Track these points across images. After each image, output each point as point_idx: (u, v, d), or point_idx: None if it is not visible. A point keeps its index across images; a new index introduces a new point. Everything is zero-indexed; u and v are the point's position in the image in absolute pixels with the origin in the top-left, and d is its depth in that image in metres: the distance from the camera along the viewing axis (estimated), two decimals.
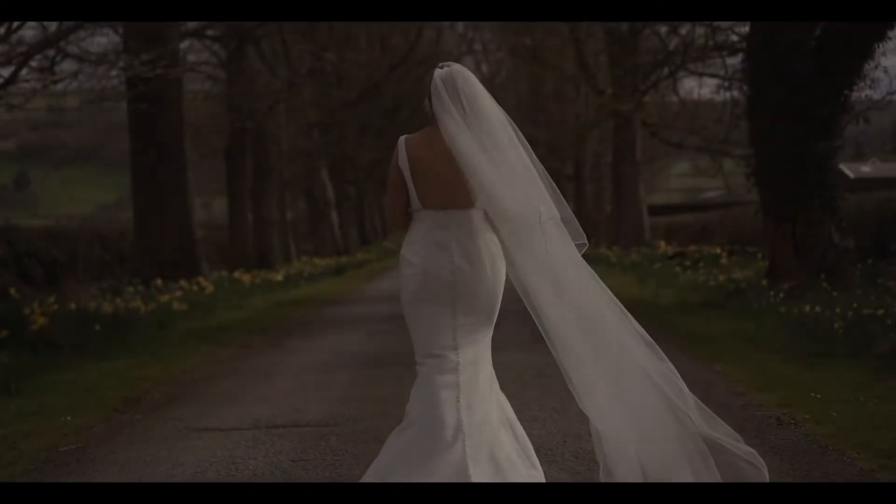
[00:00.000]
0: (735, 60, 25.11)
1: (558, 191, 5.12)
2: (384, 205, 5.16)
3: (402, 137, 5.08)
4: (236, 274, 24.15)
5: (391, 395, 8.50)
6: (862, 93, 16.15)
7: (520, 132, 5.14)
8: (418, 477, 4.75)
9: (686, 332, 12.62)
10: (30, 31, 18.42)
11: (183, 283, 19.36)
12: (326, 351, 11.85)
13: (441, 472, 4.76)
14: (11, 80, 13.40)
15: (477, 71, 59.42)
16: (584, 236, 5.14)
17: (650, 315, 15.08)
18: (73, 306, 14.89)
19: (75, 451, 6.84)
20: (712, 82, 40.42)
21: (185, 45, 28.78)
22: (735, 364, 9.83)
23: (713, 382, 8.83)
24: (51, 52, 16.03)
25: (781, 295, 14.08)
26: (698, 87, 39.20)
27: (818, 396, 7.93)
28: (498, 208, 4.94)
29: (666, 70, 27.14)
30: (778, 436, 6.72)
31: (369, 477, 4.94)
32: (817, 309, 11.90)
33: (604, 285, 5.20)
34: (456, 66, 5.09)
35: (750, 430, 6.87)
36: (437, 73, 5.04)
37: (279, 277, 24.53)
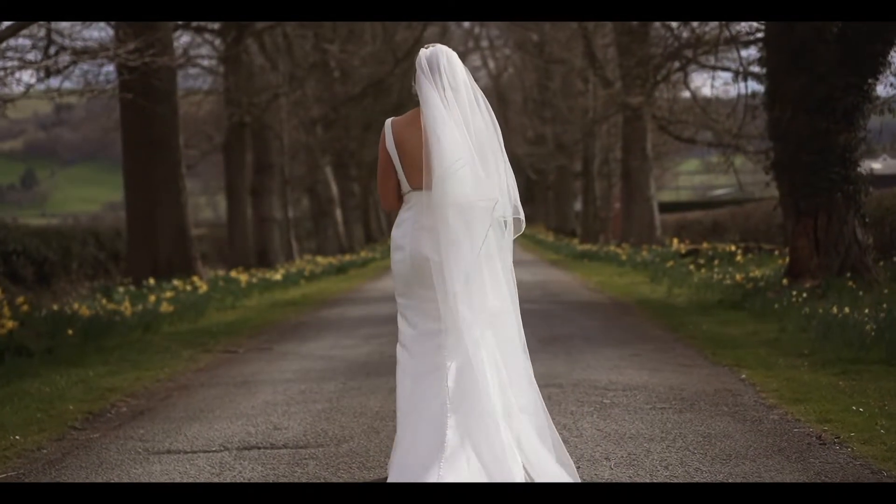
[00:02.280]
0: (749, 52, 24.32)
1: (517, 197, 5.20)
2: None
3: (389, 120, 5.23)
4: (233, 273, 23.38)
5: (382, 408, 7.64)
6: (887, 82, 15.37)
7: (495, 119, 5.22)
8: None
9: (705, 335, 11.78)
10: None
11: (177, 282, 18.68)
12: (317, 356, 10.95)
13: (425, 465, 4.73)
14: None
15: (483, 67, 58.74)
16: (523, 225, 5.19)
17: (665, 315, 14.34)
18: (54, 307, 14.10)
19: (13, 479, 5.96)
20: (725, 76, 39.63)
21: (185, 39, 28.25)
22: (761, 371, 9.01)
23: (741, 393, 7.98)
24: (41, 43, 15.44)
25: (804, 294, 13.30)
26: (711, 80, 38.02)
27: (860, 410, 7.09)
28: (455, 187, 4.91)
29: (677, 64, 26.26)
30: (822, 458, 5.87)
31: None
32: (846, 310, 11.05)
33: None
34: (440, 46, 5.22)
35: (790, 451, 6.04)
36: (422, 52, 5.18)
37: (278, 276, 23.69)
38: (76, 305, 14.32)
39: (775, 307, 13.13)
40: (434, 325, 5.01)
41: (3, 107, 15.98)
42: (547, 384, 8.08)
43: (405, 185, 5.14)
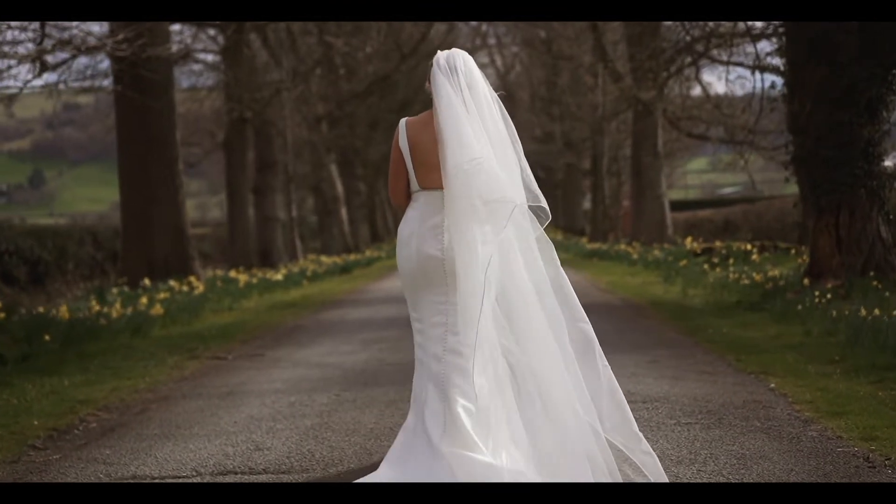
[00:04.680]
0: (762, 46, 23.59)
1: (536, 187, 5.23)
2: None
3: (404, 119, 5.34)
4: (232, 273, 22.72)
5: (377, 425, 6.92)
6: None
7: (510, 120, 5.30)
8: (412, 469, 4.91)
9: (726, 339, 11.07)
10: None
11: (173, 283, 18.01)
12: (312, 364, 10.22)
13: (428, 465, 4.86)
14: None
15: (491, 65, 57.98)
16: (548, 214, 5.26)
17: (681, 317, 13.67)
18: (41, 309, 13.42)
19: None
20: (738, 71, 38.88)
21: (188, 33, 27.67)
22: (791, 379, 8.29)
23: (772, 405, 7.25)
24: (32, 35, 14.89)
25: (828, 295, 12.61)
26: (725, 73, 37.16)
27: None
28: (471, 185, 4.93)
29: (689, 58, 25.54)
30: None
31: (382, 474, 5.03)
32: (875, 312, 10.34)
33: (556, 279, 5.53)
34: (456, 49, 5.36)
35: (836, 476, 5.31)
36: (439, 54, 5.31)
37: (279, 277, 23.00)
38: (65, 307, 13.62)
39: (798, 308, 12.43)
40: (438, 318, 5.15)
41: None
42: None
43: (414, 185, 5.26)
